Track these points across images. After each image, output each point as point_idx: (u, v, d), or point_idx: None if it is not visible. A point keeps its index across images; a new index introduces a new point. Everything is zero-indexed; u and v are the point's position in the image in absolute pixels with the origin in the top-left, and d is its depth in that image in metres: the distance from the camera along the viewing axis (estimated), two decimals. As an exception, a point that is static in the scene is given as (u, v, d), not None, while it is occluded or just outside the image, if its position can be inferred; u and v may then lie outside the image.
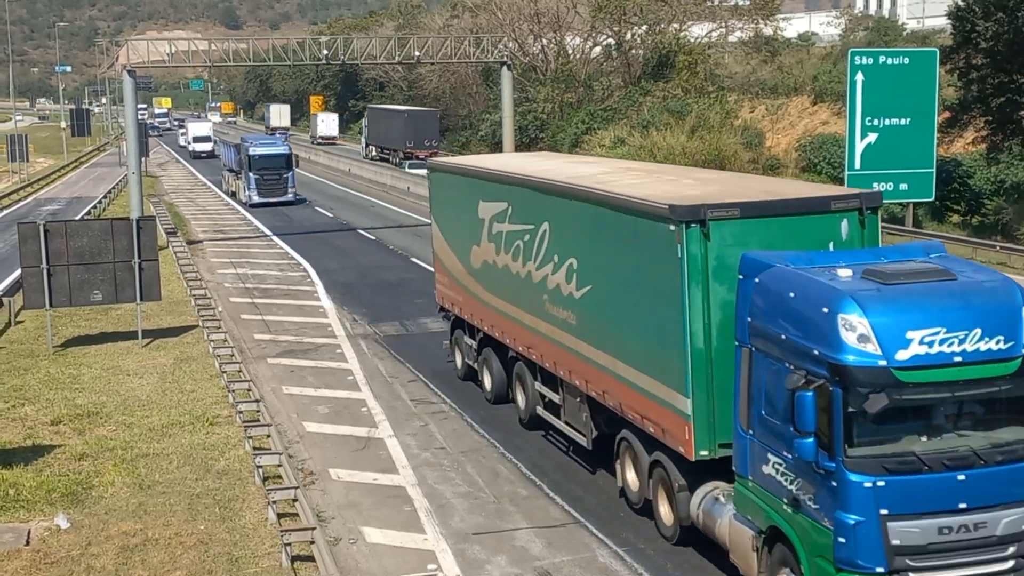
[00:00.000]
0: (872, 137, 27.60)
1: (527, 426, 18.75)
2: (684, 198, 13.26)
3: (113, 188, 64.95)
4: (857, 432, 10.53)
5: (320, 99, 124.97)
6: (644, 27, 69.65)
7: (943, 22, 49.19)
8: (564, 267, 15.98)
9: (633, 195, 14.01)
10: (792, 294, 11.26)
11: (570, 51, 77.16)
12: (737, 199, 13.21)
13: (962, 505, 10.52)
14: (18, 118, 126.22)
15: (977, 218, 40.64)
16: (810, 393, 10.54)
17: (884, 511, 10.45)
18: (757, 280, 11.81)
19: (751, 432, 11.92)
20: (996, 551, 10.64)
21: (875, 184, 26.89)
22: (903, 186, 27.17)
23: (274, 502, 15.02)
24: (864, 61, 27.44)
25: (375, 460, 17.68)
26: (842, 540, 10.50)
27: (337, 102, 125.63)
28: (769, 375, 11.53)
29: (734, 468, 12.37)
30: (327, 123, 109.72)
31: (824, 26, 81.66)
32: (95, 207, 55.01)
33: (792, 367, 11.07)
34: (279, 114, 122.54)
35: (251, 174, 55.42)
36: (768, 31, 69.04)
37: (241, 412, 19.38)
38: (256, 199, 55.26)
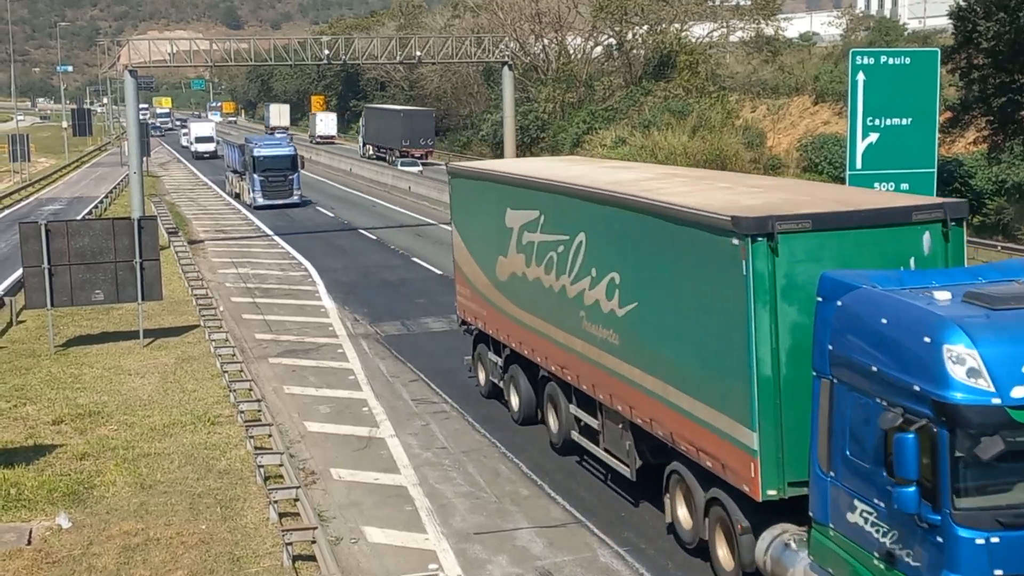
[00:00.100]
0: (873, 137, 27.50)
1: (560, 451, 17.43)
2: (747, 208, 11.98)
3: (114, 188, 64.98)
4: (967, 480, 9.22)
5: (321, 99, 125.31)
6: (645, 27, 69.67)
7: (944, 22, 49.15)
8: (604, 282, 14.68)
9: (688, 204, 12.69)
10: (884, 320, 9.94)
11: (571, 51, 77.20)
12: (807, 209, 11.89)
13: None
14: (19, 118, 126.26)
15: (978, 218, 40.61)
16: (911, 435, 9.20)
17: (999, 572, 9.15)
18: (839, 303, 10.53)
19: (832, 475, 10.60)
20: None
21: (876, 184, 26.83)
22: (904, 186, 27.11)
23: (275, 502, 15.03)
24: (865, 61, 27.38)
25: (376, 460, 17.69)
26: None
27: (338, 102, 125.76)
28: (855, 411, 10.24)
29: (811, 513, 11.08)
30: (326, 123, 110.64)
31: (825, 26, 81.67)
32: (96, 207, 55.03)
33: (885, 404, 9.74)
34: (278, 114, 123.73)
35: (256, 176, 54.70)
36: (769, 31, 69.05)
37: (242, 412, 19.39)
38: (261, 201, 54.56)
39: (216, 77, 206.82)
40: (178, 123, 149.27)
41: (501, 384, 19.76)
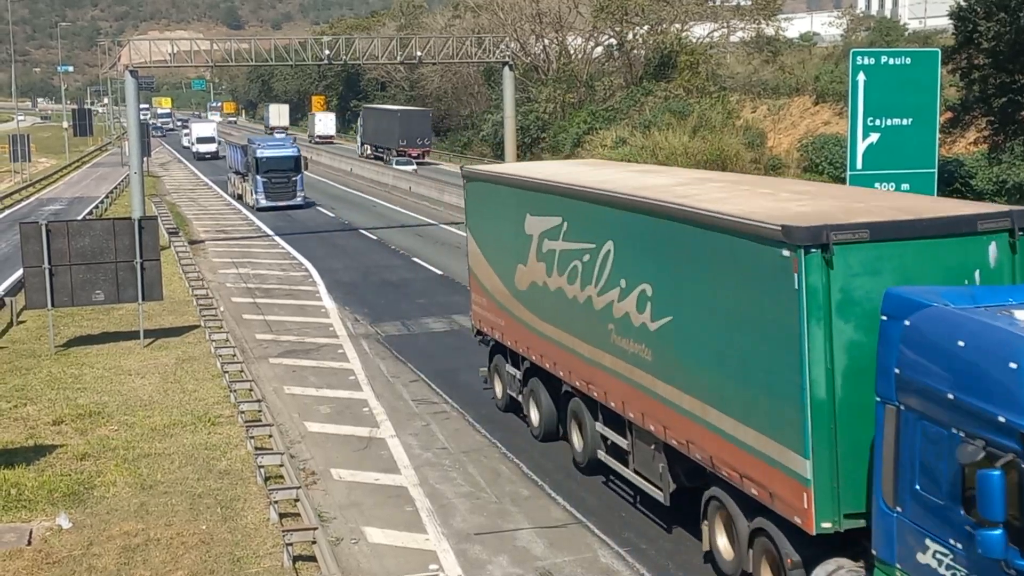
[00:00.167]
0: (874, 137, 27.48)
1: (584, 471, 16.57)
2: (797, 216, 11.13)
3: (115, 188, 65.02)
4: None
5: (322, 99, 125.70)
6: (646, 27, 69.70)
7: (945, 22, 49.16)
8: (635, 294, 13.85)
9: (731, 212, 11.83)
10: (961, 343, 9.10)
11: (572, 51, 77.24)
12: (864, 218, 10.97)
13: None
14: (20, 118, 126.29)
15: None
16: (997, 472, 8.32)
17: None
18: (907, 323, 9.70)
19: (899, 510, 9.79)
20: None
21: (877, 184, 26.82)
22: (905, 186, 27.09)
23: (276, 502, 15.02)
24: (866, 61, 27.36)
25: (377, 460, 17.69)
26: None
27: (339, 102, 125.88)
28: (926, 442, 9.42)
29: (873, 551, 10.28)
30: (324, 123, 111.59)
31: (826, 26, 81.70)
32: (97, 207, 55.07)
33: (963, 435, 8.91)
34: (278, 114, 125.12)
35: (258, 177, 54.04)
36: (770, 31, 69.07)
37: (243, 412, 19.39)
38: (264, 203, 53.86)
39: (217, 77, 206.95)
40: (179, 123, 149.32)
41: (520, 398, 18.89)
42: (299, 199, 54.76)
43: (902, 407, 9.75)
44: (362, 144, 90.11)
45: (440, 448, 18.22)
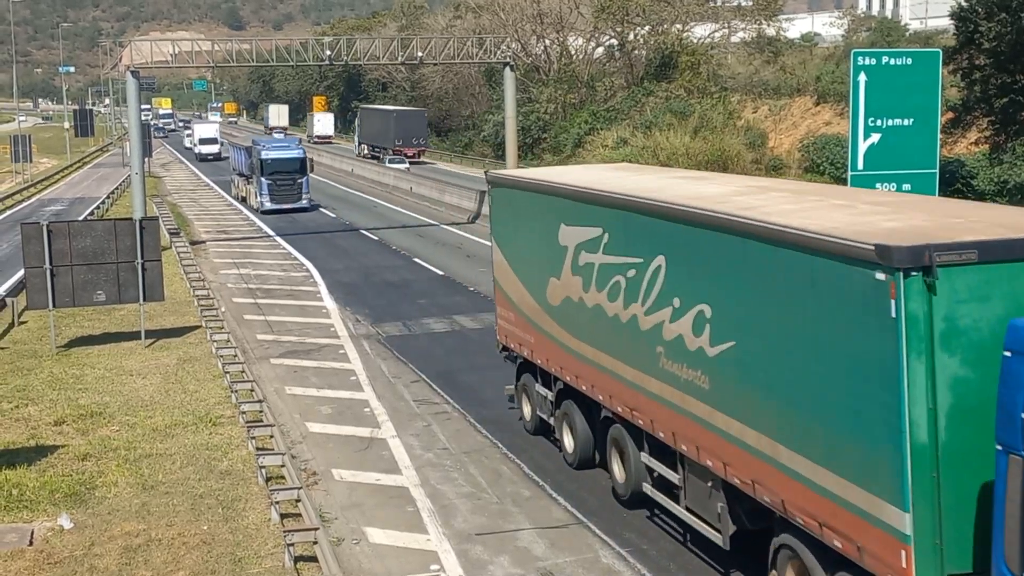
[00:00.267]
0: (875, 138, 27.48)
1: (627, 504, 15.30)
2: (891, 234, 9.81)
3: (116, 189, 65.05)
4: None
5: (323, 99, 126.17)
6: (647, 27, 69.73)
7: (946, 22, 49.16)
8: (690, 315, 12.58)
9: (811, 228, 10.52)
10: None
11: (573, 51, 77.27)
12: (969, 236, 9.68)
13: None
14: (21, 119, 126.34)
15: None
16: None
17: None
18: None
19: None
20: None
21: (878, 185, 26.82)
22: (906, 187, 27.09)
23: (277, 502, 15.03)
24: (867, 62, 27.37)
25: (378, 461, 17.69)
26: None
27: (340, 102, 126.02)
28: None
29: None
30: (323, 123, 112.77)
31: (827, 26, 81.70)
32: (98, 207, 55.09)
33: None
34: (277, 114, 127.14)
35: (263, 179, 53.02)
36: (771, 31, 69.08)
37: (244, 412, 19.40)
38: (268, 205, 52.81)
39: (218, 78, 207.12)
40: (181, 124, 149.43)
41: (551, 421, 17.62)
42: (304, 202, 53.82)
43: None
44: (359, 144, 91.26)
45: (441, 448, 18.23)
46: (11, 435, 19.03)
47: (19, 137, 71.73)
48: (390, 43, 51.03)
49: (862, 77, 27.16)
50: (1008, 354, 8.89)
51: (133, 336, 26.44)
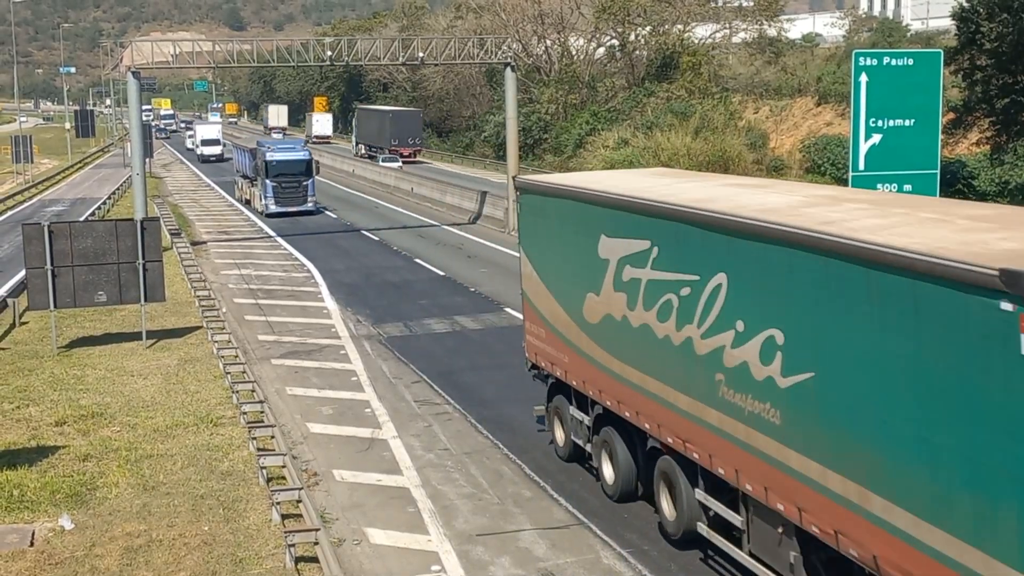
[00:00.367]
0: (876, 138, 27.51)
1: (677, 543, 14.03)
2: (1012, 256, 8.58)
3: (117, 189, 65.08)
4: None
5: (324, 100, 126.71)
6: (648, 28, 69.77)
7: (947, 23, 49.19)
8: (757, 340, 11.32)
9: (913, 249, 9.21)
10: None
11: (574, 52, 77.30)
12: None
13: None
14: (23, 119, 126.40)
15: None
16: None
17: None
18: None
19: None
20: None
21: (879, 185, 26.83)
22: (907, 187, 27.11)
23: (278, 503, 15.02)
24: (868, 62, 27.39)
25: (379, 461, 17.69)
26: None
27: (341, 103, 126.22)
28: None
29: None
30: (321, 123, 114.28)
31: (828, 27, 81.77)
32: (99, 208, 55.11)
33: None
34: (277, 114, 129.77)
35: (268, 181, 51.79)
36: (772, 32, 69.14)
37: (245, 413, 19.41)
38: (273, 208, 51.72)
39: (219, 78, 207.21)
40: (183, 125, 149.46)
41: (588, 448, 16.33)
42: (310, 205, 52.81)
43: None
44: (357, 144, 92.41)
45: (442, 449, 18.22)
46: (12, 435, 19.04)
47: (20, 138, 71.78)
48: (391, 44, 50.97)
49: (863, 78, 27.18)
50: None
51: (134, 337, 26.45)
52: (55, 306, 25.12)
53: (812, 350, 10.54)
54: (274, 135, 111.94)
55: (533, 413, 18.62)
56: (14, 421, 19.95)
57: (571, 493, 16.02)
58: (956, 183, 40.32)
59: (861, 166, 27.59)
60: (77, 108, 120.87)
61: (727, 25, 71.23)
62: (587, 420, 16.17)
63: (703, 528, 13.23)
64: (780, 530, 11.49)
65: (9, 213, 56.76)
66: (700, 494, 13.15)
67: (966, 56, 38.34)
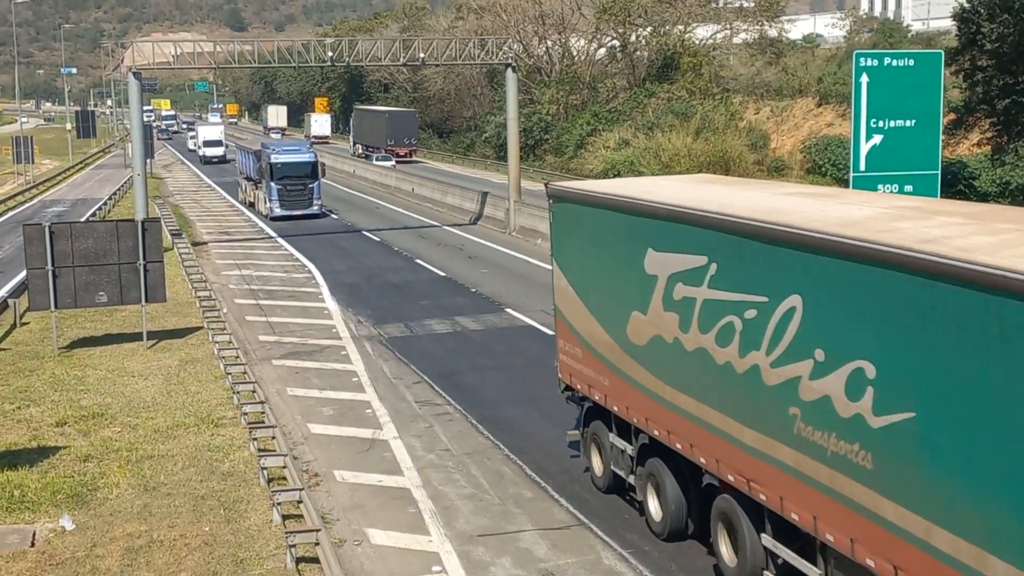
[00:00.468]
0: (877, 139, 27.53)
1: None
2: None
3: (118, 190, 65.10)
4: None
5: (325, 101, 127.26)
6: (649, 29, 69.83)
7: (948, 24, 49.19)
8: (841, 373, 10.03)
9: None
10: None
11: (575, 53, 77.34)
12: None
13: None
14: (24, 120, 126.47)
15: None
16: None
17: None
18: None
19: None
20: None
21: (880, 186, 26.85)
22: (908, 188, 27.12)
23: (279, 503, 15.02)
24: (869, 63, 27.41)
25: (380, 462, 17.69)
26: None
27: (342, 103, 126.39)
28: None
29: None
30: (320, 123, 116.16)
31: (829, 28, 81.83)
32: (100, 209, 55.13)
33: None
34: (276, 115, 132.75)
35: (273, 184, 50.48)
36: (773, 33, 69.18)
37: (246, 413, 19.41)
38: (278, 212, 50.46)
39: (220, 79, 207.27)
40: (184, 126, 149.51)
41: (631, 480, 15.02)
42: (316, 208, 51.33)
43: None
44: (354, 143, 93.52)
45: (443, 450, 18.22)
46: (13, 436, 19.04)
47: (21, 138, 71.86)
48: (392, 44, 50.97)
49: (864, 78, 27.19)
50: None
51: (135, 337, 26.45)
52: (56, 307, 25.13)
53: (913, 387, 9.21)
54: (273, 135, 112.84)
55: (566, 439, 17.27)
56: (15, 422, 19.95)
57: (572, 494, 16.02)
58: (957, 184, 40.33)
59: (862, 167, 27.60)
60: (78, 109, 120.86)
61: (728, 26, 71.27)
62: (630, 449, 14.88)
63: None
64: None
65: (10, 214, 56.78)
66: (768, 540, 11.75)
67: (967, 57, 38.37)
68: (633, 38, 70.97)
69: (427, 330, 27.19)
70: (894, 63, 27.63)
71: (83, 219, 46.73)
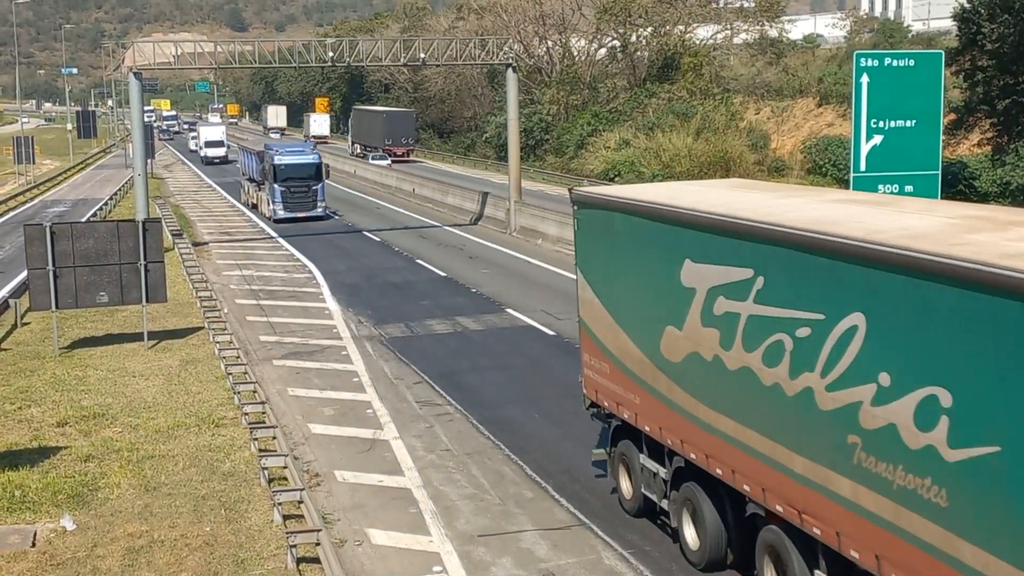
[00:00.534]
0: (877, 139, 27.55)
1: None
2: None
3: (119, 190, 65.12)
4: None
5: (325, 101, 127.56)
6: (649, 29, 69.86)
7: (948, 24, 49.20)
8: (910, 400, 9.15)
9: None
10: None
11: (575, 53, 77.36)
12: None
13: None
14: (24, 120, 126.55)
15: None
16: None
17: None
18: None
19: None
20: None
21: (880, 186, 26.86)
22: (908, 188, 27.13)
23: (280, 504, 15.03)
24: (869, 63, 27.42)
25: (380, 462, 17.70)
26: None
27: (343, 104, 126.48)
28: None
29: None
30: (319, 123, 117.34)
31: (829, 28, 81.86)
32: (101, 209, 55.15)
33: None
34: (276, 115, 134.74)
35: (276, 186, 49.74)
36: (773, 33, 69.19)
37: (247, 414, 19.41)
38: (282, 214, 49.65)
39: (220, 79, 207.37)
40: (186, 126, 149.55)
41: (664, 504, 14.09)
42: (320, 210, 50.63)
43: None
44: (352, 143, 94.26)
45: (444, 450, 18.23)
46: (14, 436, 19.05)
47: (22, 139, 71.88)
48: (392, 44, 50.97)
49: (864, 78, 27.21)
50: None
51: (136, 337, 26.46)
52: (57, 307, 25.14)
53: (996, 418, 8.29)
54: (272, 135, 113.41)
55: (592, 457, 16.50)
56: (16, 422, 19.97)
57: (573, 494, 16.03)
58: (957, 184, 40.34)
59: (862, 167, 27.62)
60: (79, 109, 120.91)
61: (728, 26, 71.27)
62: (663, 473, 13.94)
63: None
64: None
65: (11, 214, 56.81)
66: None
67: (967, 57, 38.40)
68: (634, 38, 71.01)
69: (428, 330, 27.19)
70: (894, 63, 27.65)
71: (84, 219, 46.75)
